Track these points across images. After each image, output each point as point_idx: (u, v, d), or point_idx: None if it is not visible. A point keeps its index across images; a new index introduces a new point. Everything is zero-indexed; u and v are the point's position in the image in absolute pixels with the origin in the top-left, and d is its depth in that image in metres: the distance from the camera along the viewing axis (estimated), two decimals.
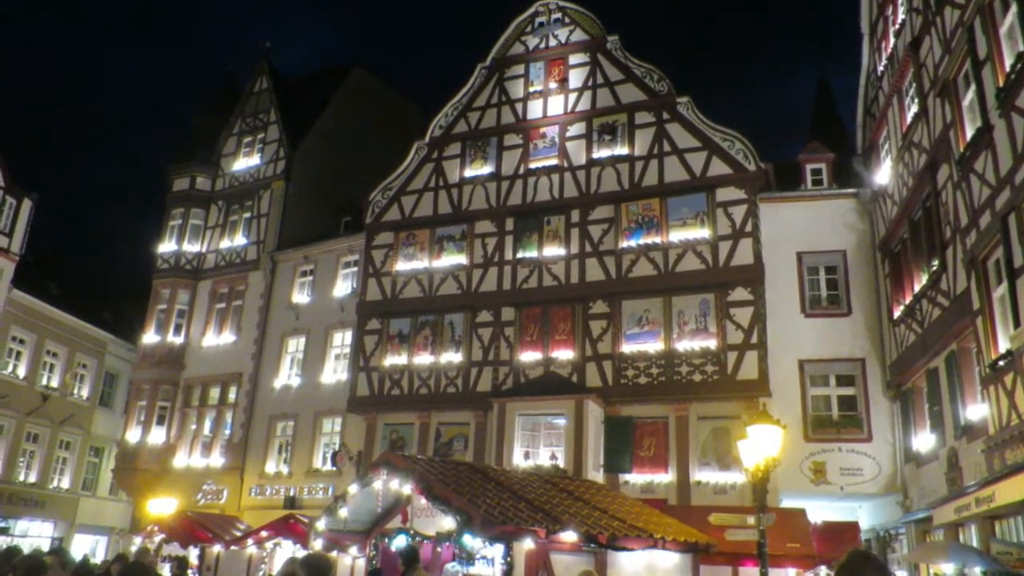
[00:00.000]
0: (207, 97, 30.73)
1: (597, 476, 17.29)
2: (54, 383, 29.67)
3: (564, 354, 19.16)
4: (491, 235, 20.95)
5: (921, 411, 15.23)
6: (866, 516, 18.33)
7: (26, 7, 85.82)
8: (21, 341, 28.36)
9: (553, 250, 20.07)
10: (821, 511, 17.01)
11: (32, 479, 28.54)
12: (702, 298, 18.18)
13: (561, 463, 17.40)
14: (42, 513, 28.58)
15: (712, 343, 17.73)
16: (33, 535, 26.84)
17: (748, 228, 18.17)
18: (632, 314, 18.73)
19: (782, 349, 17.64)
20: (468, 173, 21.91)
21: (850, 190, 18.74)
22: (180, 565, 12.12)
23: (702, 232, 18.56)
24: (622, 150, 20.05)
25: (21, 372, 28.35)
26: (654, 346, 18.26)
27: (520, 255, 20.39)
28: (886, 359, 17.06)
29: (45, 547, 23.24)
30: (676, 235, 18.80)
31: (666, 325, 18.29)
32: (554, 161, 20.81)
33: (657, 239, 18.94)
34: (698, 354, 17.79)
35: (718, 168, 18.93)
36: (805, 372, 17.74)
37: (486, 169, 21.71)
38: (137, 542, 18.35)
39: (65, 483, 30.17)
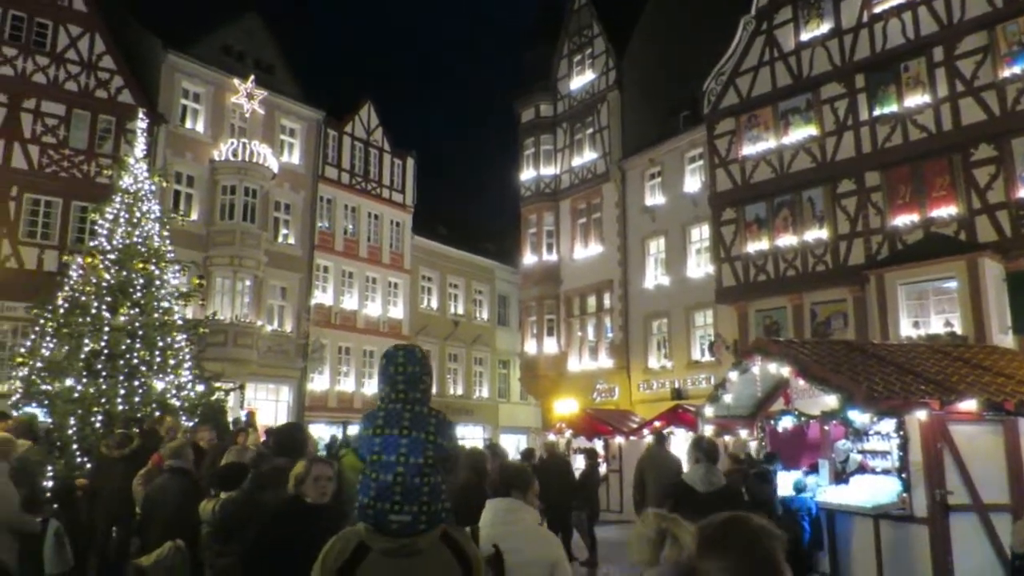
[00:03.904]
0: (534, 29, 32.14)
1: (1005, 340, 15.51)
2: (460, 310, 34.87)
3: (946, 211, 17.24)
4: (840, 98, 19.33)
5: None
6: None
7: None
8: (429, 279, 33.64)
9: (916, 99, 17.91)
10: None
11: (459, 392, 34.11)
12: None
13: (957, 330, 15.94)
14: (472, 419, 34.07)
15: None
16: (469, 437, 31.98)
17: None
18: None
19: None
20: (804, 36, 20.32)
21: None
22: (591, 455, 13.87)
23: None
24: None
25: (434, 304, 33.73)
26: None
27: (877, 112, 18.55)
28: None
29: (480, 446, 27.60)
30: None
31: None
32: None
33: None
34: None
35: None
36: None
37: (824, 27, 19.93)
38: (550, 438, 20.94)
39: (485, 393, 35.57)
